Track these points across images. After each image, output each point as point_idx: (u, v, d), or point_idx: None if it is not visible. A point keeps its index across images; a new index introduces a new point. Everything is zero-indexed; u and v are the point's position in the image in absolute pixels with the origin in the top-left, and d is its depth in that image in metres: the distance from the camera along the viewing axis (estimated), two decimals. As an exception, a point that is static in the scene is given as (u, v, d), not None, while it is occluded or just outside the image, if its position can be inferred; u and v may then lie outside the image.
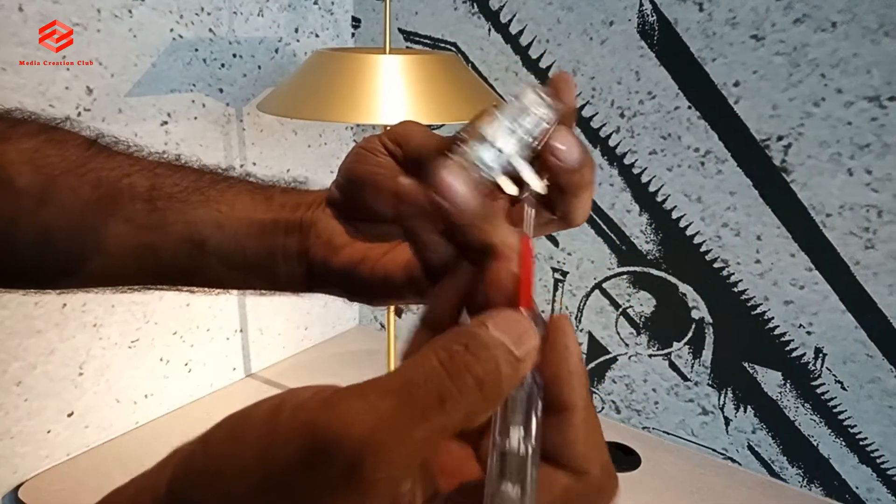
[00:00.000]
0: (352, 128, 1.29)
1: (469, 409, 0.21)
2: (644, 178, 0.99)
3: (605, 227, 1.05)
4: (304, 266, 0.41)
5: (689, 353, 1.02)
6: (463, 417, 0.21)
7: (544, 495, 0.23)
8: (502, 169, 0.29)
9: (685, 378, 1.04)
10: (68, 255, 0.41)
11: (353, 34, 1.24)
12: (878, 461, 0.91)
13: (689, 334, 1.01)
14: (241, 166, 1.10)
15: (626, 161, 1.00)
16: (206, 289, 0.43)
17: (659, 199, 0.99)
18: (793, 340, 0.93)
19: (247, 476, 0.21)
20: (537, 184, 0.29)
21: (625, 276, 1.05)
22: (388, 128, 0.38)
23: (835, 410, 0.92)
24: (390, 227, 0.38)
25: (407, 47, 1.18)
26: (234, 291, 0.44)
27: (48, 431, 0.93)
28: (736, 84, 0.89)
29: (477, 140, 0.28)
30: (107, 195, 0.40)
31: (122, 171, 0.41)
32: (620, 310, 1.07)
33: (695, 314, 1.00)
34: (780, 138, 0.88)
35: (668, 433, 1.08)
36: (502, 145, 0.28)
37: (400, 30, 1.17)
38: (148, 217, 0.40)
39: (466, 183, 0.27)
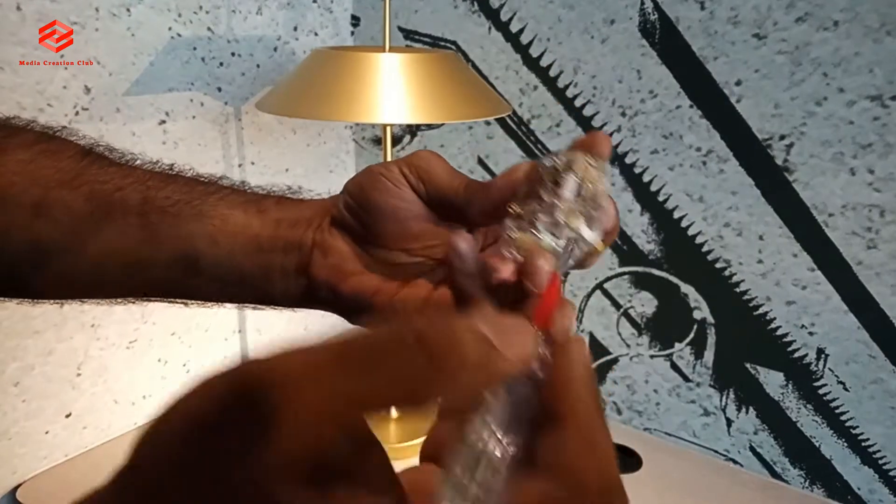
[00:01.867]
0: (351, 127, 1.29)
1: (409, 382, 0.20)
2: (645, 178, 0.99)
3: (605, 226, 1.04)
4: (302, 285, 0.40)
5: (690, 353, 1.02)
6: (402, 389, 0.20)
7: (516, 496, 0.22)
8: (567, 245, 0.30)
9: (687, 379, 1.03)
10: (61, 268, 0.41)
11: (352, 32, 1.24)
12: (880, 462, 0.90)
13: (691, 335, 1.01)
14: (240, 166, 1.09)
15: (628, 160, 1.00)
16: (198, 302, 0.43)
17: (660, 198, 0.98)
18: (795, 341, 0.93)
19: (175, 427, 0.20)
20: (599, 244, 0.31)
21: (626, 277, 1.04)
22: (408, 157, 0.38)
23: (837, 411, 0.92)
24: (406, 257, 0.38)
25: (406, 46, 1.17)
26: (228, 304, 0.44)
27: (46, 432, 0.93)
28: (738, 83, 0.89)
29: (547, 223, 0.30)
30: (99, 209, 0.40)
31: (115, 183, 0.41)
32: (622, 310, 1.06)
33: (696, 314, 1.00)
34: (782, 137, 0.87)
35: (670, 434, 1.07)
36: (575, 226, 0.29)
37: (399, 28, 1.17)
38: (141, 231, 0.40)
39: (551, 273, 0.29)
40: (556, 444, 0.23)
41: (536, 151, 1.08)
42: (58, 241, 0.40)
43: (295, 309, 0.42)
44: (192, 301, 0.43)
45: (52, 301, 0.46)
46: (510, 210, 0.31)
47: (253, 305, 0.43)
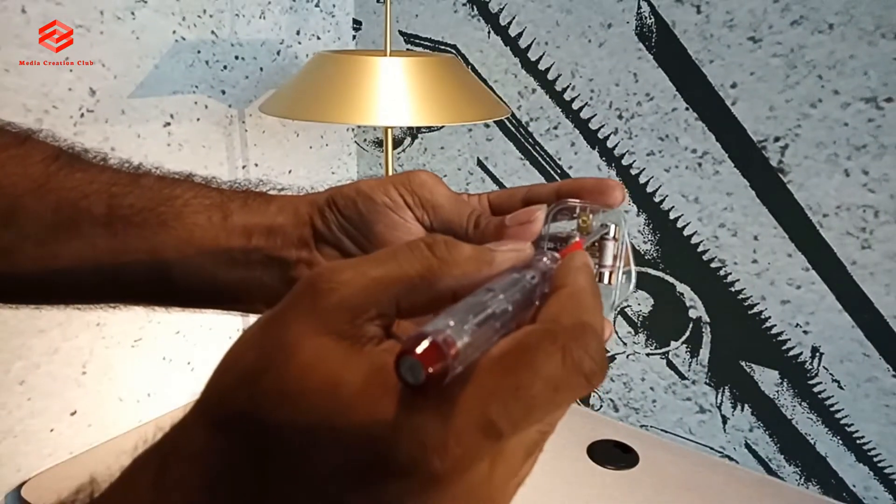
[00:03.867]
0: (353, 129, 1.30)
1: (419, 268, 0.25)
2: (642, 179, 1.00)
3: (603, 227, 1.05)
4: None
5: (686, 352, 1.03)
6: (414, 273, 0.25)
7: (506, 339, 0.24)
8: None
9: (683, 377, 1.04)
10: (33, 277, 0.41)
11: (353, 36, 1.25)
12: (874, 459, 0.91)
13: (687, 333, 1.02)
14: (244, 167, 1.10)
15: (625, 162, 1.01)
16: (179, 308, 0.43)
17: (657, 199, 0.99)
18: (790, 340, 0.94)
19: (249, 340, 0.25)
20: (633, 288, 0.35)
21: (623, 276, 1.05)
22: (406, 181, 0.38)
23: (832, 409, 0.93)
24: None
25: (407, 49, 1.18)
26: (209, 311, 0.43)
27: (51, 430, 0.94)
28: (733, 86, 0.90)
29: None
30: (67, 219, 0.40)
31: (80, 192, 0.40)
32: (618, 309, 1.07)
33: (692, 313, 1.01)
34: (777, 139, 0.89)
35: (666, 431, 1.08)
36: (617, 282, 0.34)
37: (400, 32, 1.18)
38: (109, 242, 0.40)
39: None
40: (548, 302, 0.26)
41: (535, 154, 1.09)
42: (27, 250, 0.40)
43: None
44: (174, 308, 0.43)
45: (29, 307, 0.46)
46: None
47: (239, 313, 0.42)
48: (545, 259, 0.29)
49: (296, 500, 0.22)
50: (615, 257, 0.34)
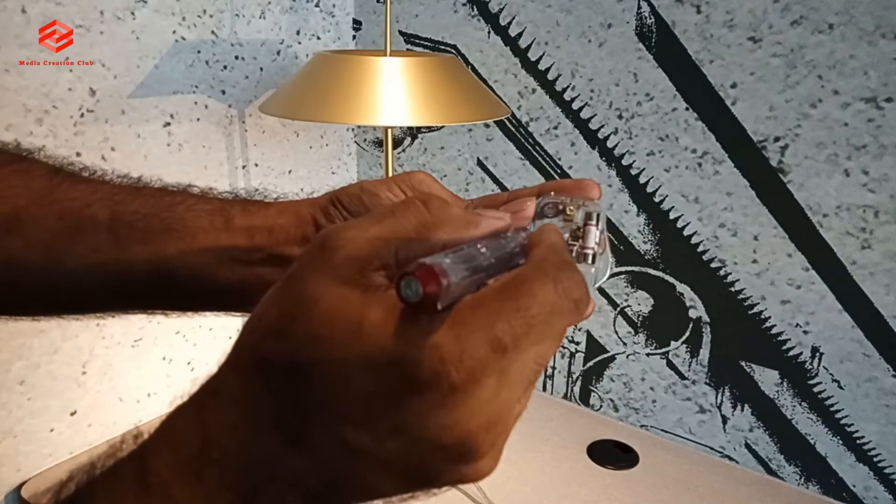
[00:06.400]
0: (353, 129, 1.30)
1: (416, 222, 0.28)
2: (642, 179, 1.00)
3: (603, 227, 1.05)
4: None
5: (686, 352, 1.03)
6: (411, 228, 0.28)
7: (504, 275, 0.27)
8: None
9: (683, 377, 1.04)
10: (36, 285, 0.42)
11: (354, 36, 1.25)
12: (874, 459, 0.91)
13: (687, 333, 1.02)
14: (244, 167, 1.11)
15: (625, 162, 1.01)
16: (179, 312, 0.44)
17: (657, 199, 1.00)
18: (790, 339, 0.94)
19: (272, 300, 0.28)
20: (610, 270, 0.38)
21: (623, 276, 1.06)
22: (406, 180, 0.41)
23: (832, 409, 0.93)
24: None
25: (407, 49, 1.18)
26: (209, 313, 0.45)
27: (51, 430, 0.94)
28: (733, 86, 0.90)
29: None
30: (70, 226, 0.41)
31: (84, 200, 0.42)
32: (618, 309, 1.08)
33: (692, 313, 1.01)
34: (776, 139, 0.89)
35: (666, 431, 1.08)
36: (600, 266, 0.38)
37: (400, 32, 1.18)
38: (113, 247, 0.41)
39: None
40: (530, 255, 0.29)
41: (535, 154, 1.09)
42: (32, 258, 0.41)
43: None
44: (173, 312, 0.44)
45: (32, 318, 0.47)
46: None
47: (239, 314, 0.43)
48: (522, 234, 0.32)
49: (335, 426, 0.25)
50: (597, 242, 0.38)
